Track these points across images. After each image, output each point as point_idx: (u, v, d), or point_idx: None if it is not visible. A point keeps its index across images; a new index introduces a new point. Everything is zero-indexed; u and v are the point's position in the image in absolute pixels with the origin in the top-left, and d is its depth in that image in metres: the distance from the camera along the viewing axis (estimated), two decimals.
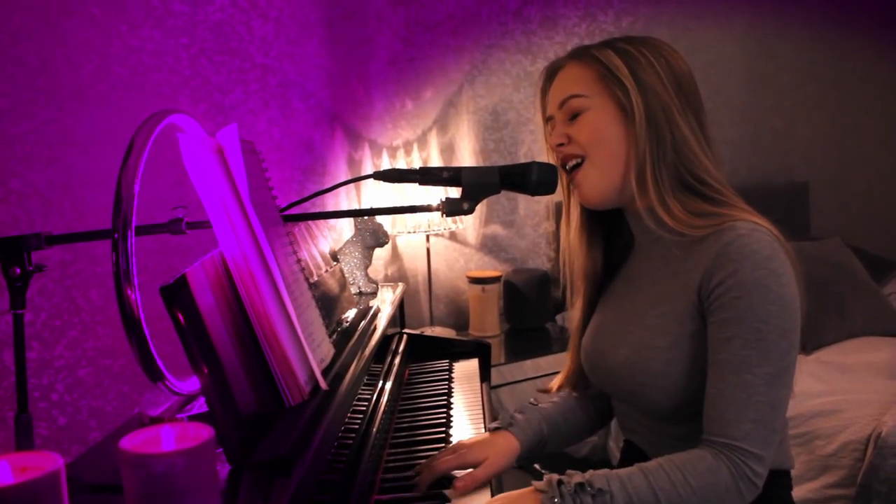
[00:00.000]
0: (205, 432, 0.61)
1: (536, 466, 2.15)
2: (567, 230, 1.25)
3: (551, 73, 1.18)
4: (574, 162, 1.12)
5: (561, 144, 1.13)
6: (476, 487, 1.06)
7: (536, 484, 0.96)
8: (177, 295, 0.76)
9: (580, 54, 1.13)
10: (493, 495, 1.04)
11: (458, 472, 1.10)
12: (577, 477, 0.94)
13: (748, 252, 0.97)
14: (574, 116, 1.11)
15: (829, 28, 3.57)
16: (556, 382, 1.34)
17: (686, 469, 0.95)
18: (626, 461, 1.28)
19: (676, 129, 1.06)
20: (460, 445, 1.13)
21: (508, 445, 1.15)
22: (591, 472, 0.95)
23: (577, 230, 1.23)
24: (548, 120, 1.18)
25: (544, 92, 1.19)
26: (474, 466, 1.09)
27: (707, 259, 1.01)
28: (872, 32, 3.62)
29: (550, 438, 1.23)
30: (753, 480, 0.95)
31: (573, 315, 1.30)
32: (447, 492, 1.05)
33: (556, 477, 0.95)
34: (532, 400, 1.31)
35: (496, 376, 2.24)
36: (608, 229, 1.25)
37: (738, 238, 0.99)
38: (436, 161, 2.68)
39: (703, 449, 0.97)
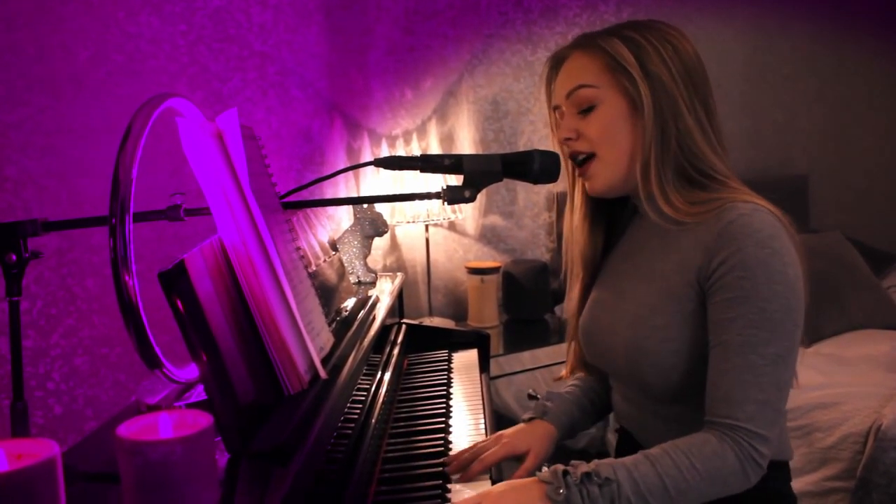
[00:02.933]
0: (203, 420, 0.60)
1: None
2: (571, 216, 1.24)
3: (556, 62, 1.16)
4: (583, 157, 1.12)
5: (569, 139, 1.12)
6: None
7: (540, 475, 0.95)
8: (175, 281, 0.75)
9: (586, 43, 1.11)
10: (493, 484, 1.04)
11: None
12: (582, 467, 0.93)
13: (751, 231, 0.97)
14: (584, 111, 1.10)
15: (830, 21, 3.56)
16: (566, 370, 1.35)
17: (692, 453, 0.94)
18: (620, 449, 1.28)
19: (682, 121, 1.05)
20: (502, 436, 1.17)
21: (548, 433, 1.20)
22: (595, 461, 0.94)
23: (581, 215, 1.23)
24: (555, 109, 1.17)
25: (549, 81, 1.18)
26: (521, 455, 1.15)
27: (708, 238, 1.00)
28: (872, 25, 3.61)
29: (580, 420, 1.27)
30: (759, 462, 0.94)
31: (570, 300, 1.29)
32: (454, 480, 1.08)
33: (560, 467, 0.94)
34: (531, 393, 1.32)
35: (494, 367, 2.23)
36: (611, 216, 1.24)
37: (740, 217, 0.98)
38: (435, 151, 2.66)
39: (708, 432, 0.96)
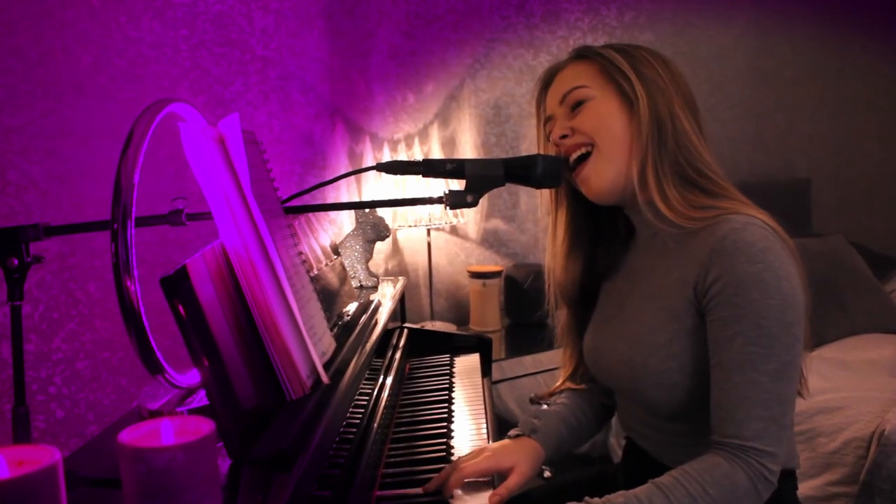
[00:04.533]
0: (205, 426, 0.60)
1: None
2: (552, 246, 1.23)
3: (548, 78, 1.17)
4: (580, 152, 1.09)
5: (564, 136, 1.10)
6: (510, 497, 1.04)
7: None
8: (177, 286, 0.75)
9: (580, 54, 1.13)
10: (494, 489, 1.03)
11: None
12: (595, 502, 0.92)
13: (743, 246, 0.96)
14: (576, 106, 1.09)
15: (832, 24, 3.55)
16: (556, 387, 1.32)
17: (703, 479, 0.93)
18: (627, 459, 1.27)
19: (678, 121, 1.05)
20: (485, 450, 1.11)
21: (535, 452, 1.14)
22: (607, 497, 0.93)
23: (561, 245, 1.21)
24: (547, 121, 1.16)
25: (539, 101, 1.18)
26: (504, 471, 1.08)
27: (702, 253, 1.00)
28: (874, 28, 3.60)
29: (567, 440, 1.22)
30: (769, 478, 0.93)
31: (559, 323, 1.28)
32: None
33: None
34: (533, 398, 1.30)
35: (496, 371, 2.23)
36: (593, 243, 1.23)
37: (732, 232, 0.97)
38: (437, 155, 2.66)
39: (715, 454, 0.95)
